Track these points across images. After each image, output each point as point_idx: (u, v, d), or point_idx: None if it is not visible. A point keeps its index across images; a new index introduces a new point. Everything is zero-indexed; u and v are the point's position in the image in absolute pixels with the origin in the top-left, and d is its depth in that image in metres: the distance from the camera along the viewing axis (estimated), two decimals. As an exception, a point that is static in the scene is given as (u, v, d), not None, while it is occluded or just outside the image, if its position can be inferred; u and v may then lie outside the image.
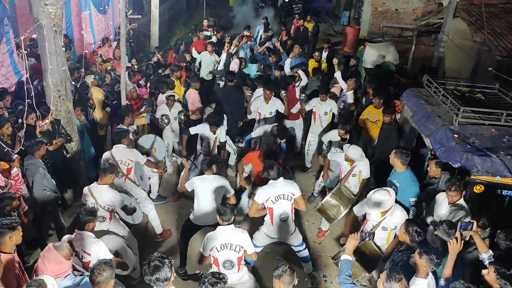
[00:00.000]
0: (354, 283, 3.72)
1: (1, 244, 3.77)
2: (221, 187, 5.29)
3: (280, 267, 3.48)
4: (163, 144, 7.17)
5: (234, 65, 9.74)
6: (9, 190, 5.09)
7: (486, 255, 4.03)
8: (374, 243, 4.77)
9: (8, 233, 3.76)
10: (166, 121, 7.26)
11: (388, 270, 3.36)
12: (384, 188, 4.83)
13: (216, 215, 5.11)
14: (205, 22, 13.53)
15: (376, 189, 4.85)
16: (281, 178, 5.00)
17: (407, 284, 3.26)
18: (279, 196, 4.93)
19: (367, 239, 4.40)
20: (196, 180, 5.33)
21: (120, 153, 5.86)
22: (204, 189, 5.26)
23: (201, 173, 5.70)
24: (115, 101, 7.68)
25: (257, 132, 7.25)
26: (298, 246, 5.35)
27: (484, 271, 3.61)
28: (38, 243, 5.70)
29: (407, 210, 4.95)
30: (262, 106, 7.63)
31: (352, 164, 5.89)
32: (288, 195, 4.94)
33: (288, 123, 8.03)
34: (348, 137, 6.64)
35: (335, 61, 8.85)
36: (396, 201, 4.86)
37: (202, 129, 6.91)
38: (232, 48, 10.13)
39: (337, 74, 8.62)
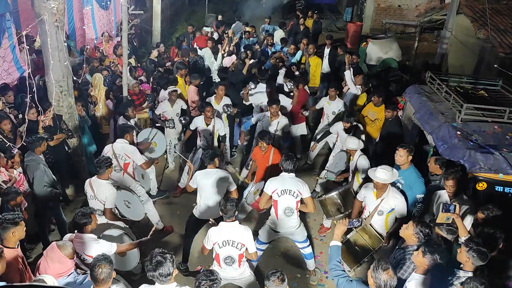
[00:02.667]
0: (344, 270, 3.73)
1: (4, 239, 3.80)
2: (223, 180, 5.28)
3: (270, 277, 3.44)
4: (163, 138, 7.10)
5: (227, 60, 9.60)
6: (13, 185, 5.11)
7: (464, 239, 4.08)
8: (374, 228, 4.77)
9: (11, 228, 3.78)
10: (171, 125, 7.20)
11: (376, 260, 3.37)
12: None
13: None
14: (219, 17, 13.35)
15: None
16: (293, 174, 4.99)
17: (393, 274, 3.27)
18: (285, 190, 4.92)
19: (356, 224, 4.41)
20: (199, 175, 5.33)
21: (119, 147, 5.87)
22: (207, 183, 5.25)
23: (201, 167, 5.69)
24: (120, 95, 7.68)
25: (256, 118, 7.19)
26: (302, 243, 5.34)
27: (458, 250, 3.77)
28: (40, 238, 5.72)
29: (404, 194, 4.98)
30: (266, 102, 7.60)
31: (354, 155, 5.92)
32: (295, 192, 4.92)
33: (293, 127, 7.84)
34: (352, 128, 6.59)
35: (347, 57, 8.68)
36: (392, 184, 4.91)
37: (198, 122, 6.88)
38: (225, 46, 10.03)
39: (347, 73, 8.32)
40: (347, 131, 6.60)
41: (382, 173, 4.74)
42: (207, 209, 5.31)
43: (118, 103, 7.64)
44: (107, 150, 5.89)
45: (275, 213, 5.06)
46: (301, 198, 4.96)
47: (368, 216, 4.93)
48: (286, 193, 4.93)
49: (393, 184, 5.12)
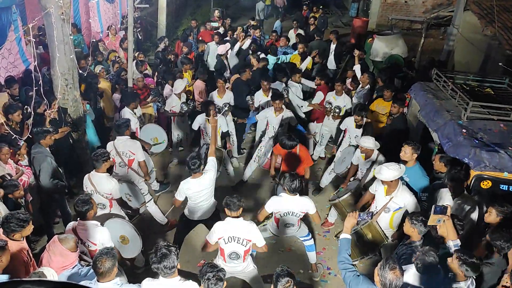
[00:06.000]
0: (353, 265, 3.73)
1: (10, 234, 3.83)
2: (211, 183, 5.07)
3: (282, 279, 3.42)
4: (165, 137, 7.19)
5: (222, 49, 9.48)
6: (19, 177, 5.13)
7: (452, 243, 4.03)
8: (379, 226, 4.77)
9: (19, 230, 3.82)
10: (185, 108, 7.16)
11: (385, 258, 3.37)
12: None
13: (210, 210, 5.08)
14: (216, 13, 13.35)
15: None
16: (297, 195, 4.78)
17: (400, 274, 3.26)
18: (288, 212, 4.86)
19: (365, 217, 4.40)
20: (184, 186, 5.00)
21: (122, 145, 5.78)
22: (194, 191, 5.00)
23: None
24: (125, 88, 7.68)
25: (261, 116, 7.07)
26: (305, 237, 5.36)
27: (449, 259, 3.70)
28: (44, 231, 5.76)
29: (416, 195, 4.94)
30: (263, 99, 7.57)
31: (366, 157, 5.84)
32: (297, 213, 4.85)
33: (313, 126, 7.68)
34: (363, 123, 6.52)
35: (356, 52, 8.56)
36: (403, 181, 4.88)
37: (200, 120, 6.81)
38: (242, 42, 9.99)
39: (357, 68, 8.25)
40: (358, 126, 6.55)
41: (387, 171, 4.71)
42: (196, 211, 5.17)
43: (123, 97, 7.65)
44: (110, 148, 5.81)
45: (276, 225, 5.06)
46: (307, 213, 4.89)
47: (376, 213, 4.93)
48: (289, 214, 4.88)
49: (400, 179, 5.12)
